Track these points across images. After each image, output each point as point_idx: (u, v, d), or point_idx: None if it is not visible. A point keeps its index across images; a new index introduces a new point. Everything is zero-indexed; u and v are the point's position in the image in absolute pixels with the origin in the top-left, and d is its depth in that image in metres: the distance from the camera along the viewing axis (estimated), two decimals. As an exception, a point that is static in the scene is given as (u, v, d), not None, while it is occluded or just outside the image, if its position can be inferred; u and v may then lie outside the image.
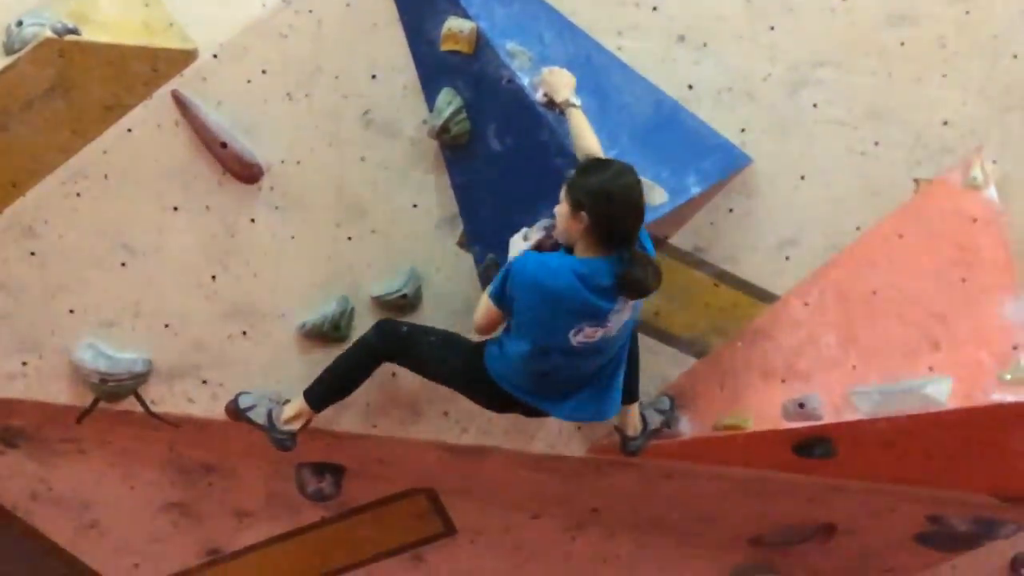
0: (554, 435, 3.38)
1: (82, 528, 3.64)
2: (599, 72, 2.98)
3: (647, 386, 3.30)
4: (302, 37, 2.98)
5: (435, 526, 3.86)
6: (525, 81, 2.81)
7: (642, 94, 3.06)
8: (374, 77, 3.04)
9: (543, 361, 2.71)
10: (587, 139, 2.69)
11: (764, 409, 3.18)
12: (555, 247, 2.70)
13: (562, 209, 2.59)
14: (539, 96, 2.79)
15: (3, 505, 3.54)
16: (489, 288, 2.75)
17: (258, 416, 3.17)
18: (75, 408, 3.25)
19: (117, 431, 3.39)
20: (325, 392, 3.07)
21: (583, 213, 2.53)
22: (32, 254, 3.04)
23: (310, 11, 2.97)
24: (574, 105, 2.72)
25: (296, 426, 3.11)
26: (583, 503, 3.80)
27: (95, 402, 3.18)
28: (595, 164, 2.60)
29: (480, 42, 2.83)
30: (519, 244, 2.75)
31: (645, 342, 3.27)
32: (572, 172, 2.60)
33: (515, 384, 2.80)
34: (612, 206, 2.52)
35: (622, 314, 2.65)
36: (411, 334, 2.97)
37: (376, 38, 3.01)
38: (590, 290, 2.56)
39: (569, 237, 2.62)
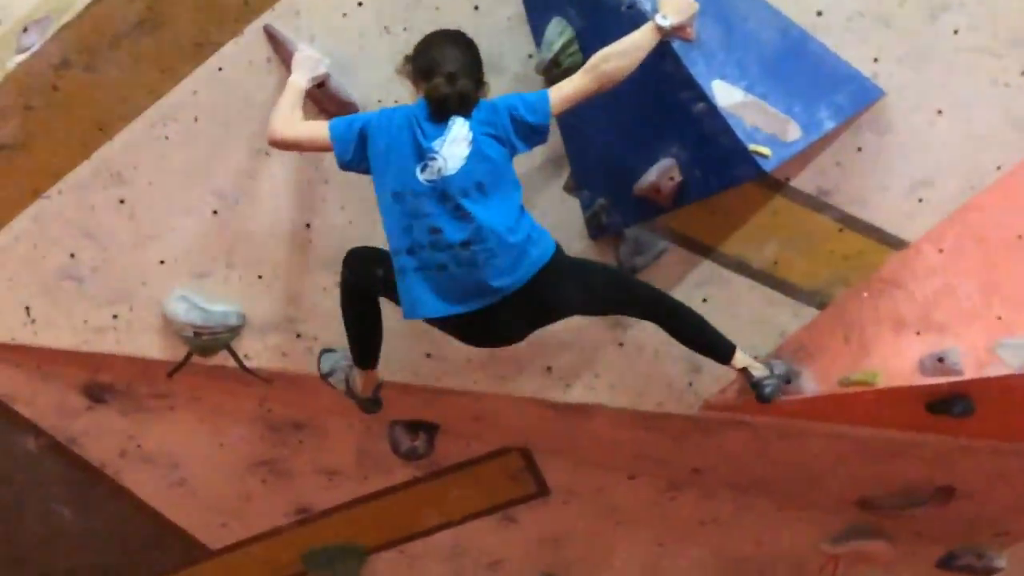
0: (664, 392, 3.19)
1: (171, 486, 3.57)
2: (723, -2, 2.74)
3: (764, 339, 3.11)
4: (401, -34, 2.80)
5: (528, 486, 3.73)
6: (647, 6, 2.57)
7: (767, 21, 2.79)
8: (476, 8, 2.83)
9: (405, 215, 2.61)
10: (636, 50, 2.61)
11: (896, 364, 2.94)
12: None
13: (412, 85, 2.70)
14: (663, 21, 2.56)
15: (91, 462, 3.48)
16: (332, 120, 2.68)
17: (337, 382, 3.04)
18: (165, 363, 3.15)
19: (208, 387, 3.28)
20: (352, 346, 2.91)
21: (412, 66, 2.66)
22: (121, 202, 2.91)
23: (404, -62, 2.78)
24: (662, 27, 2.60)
25: (368, 392, 2.98)
26: (684, 463, 3.62)
27: (188, 356, 3.07)
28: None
29: (596, -35, 2.61)
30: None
31: (762, 292, 3.07)
32: None
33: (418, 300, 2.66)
34: (424, 45, 2.65)
35: (455, 148, 2.57)
36: (383, 258, 2.76)
37: (479, -36, 2.81)
38: (420, 122, 2.61)
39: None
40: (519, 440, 3.56)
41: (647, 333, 3.14)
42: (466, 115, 2.58)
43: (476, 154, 2.58)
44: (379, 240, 2.95)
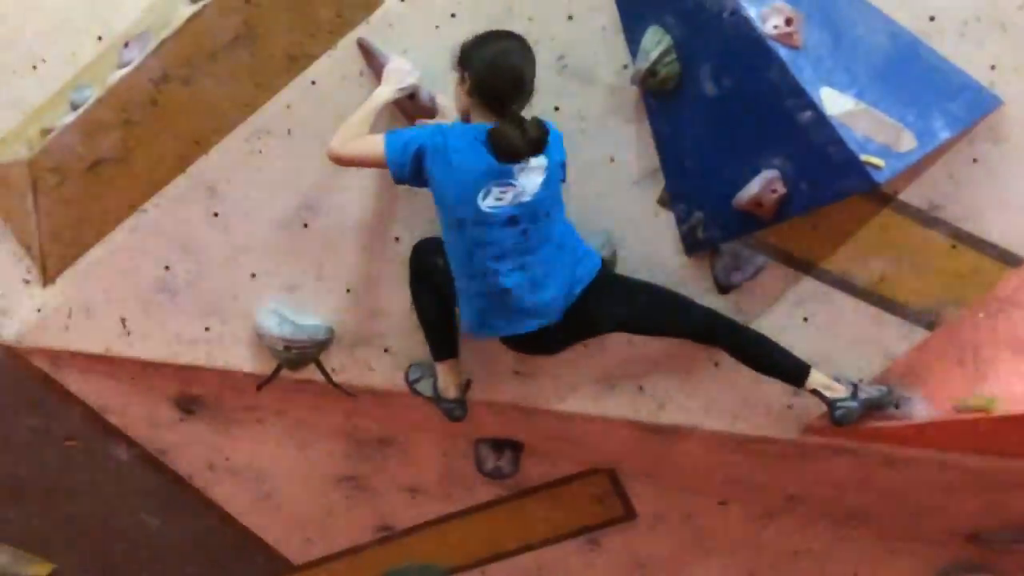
0: (762, 415, 3.06)
1: (257, 500, 3.57)
2: (828, 3, 2.61)
3: (869, 361, 2.95)
4: (494, -24, 2.76)
5: (614, 509, 3.62)
6: (752, 12, 2.48)
7: (876, 27, 2.67)
8: (570, 18, 2.77)
9: (465, 241, 2.63)
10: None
11: (1016, 389, 2.76)
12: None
13: (455, 79, 2.64)
14: (768, 27, 2.46)
15: (180, 474, 3.51)
16: (388, 136, 2.64)
17: (425, 388, 3.00)
18: (254, 376, 3.16)
19: (295, 400, 3.28)
20: (427, 339, 2.91)
21: (466, 75, 2.58)
22: (215, 215, 2.93)
23: (503, -53, 2.74)
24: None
25: (452, 392, 2.93)
26: (780, 490, 3.47)
27: (277, 369, 3.06)
28: (484, 35, 2.62)
29: (699, -30, 2.52)
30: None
31: (867, 311, 2.91)
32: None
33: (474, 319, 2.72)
34: (490, 68, 2.56)
35: (532, 175, 2.58)
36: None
37: (574, -26, 2.75)
38: (488, 150, 2.58)
39: (461, 105, 2.66)
40: (606, 461, 3.46)
41: (744, 353, 3.04)
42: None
43: (549, 181, 2.61)
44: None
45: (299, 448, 3.44)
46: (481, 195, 2.58)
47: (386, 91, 2.71)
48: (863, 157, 2.42)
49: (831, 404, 2.81)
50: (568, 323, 2.75)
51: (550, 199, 2.63)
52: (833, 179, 2.50)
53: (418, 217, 2.93)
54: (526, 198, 2.59)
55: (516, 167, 2.57)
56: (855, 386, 2.87)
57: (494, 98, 2.56)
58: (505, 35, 2.62)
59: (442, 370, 2.92)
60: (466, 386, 2.99)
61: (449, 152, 2.57)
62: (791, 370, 2.83)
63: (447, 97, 2.76)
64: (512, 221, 2.61)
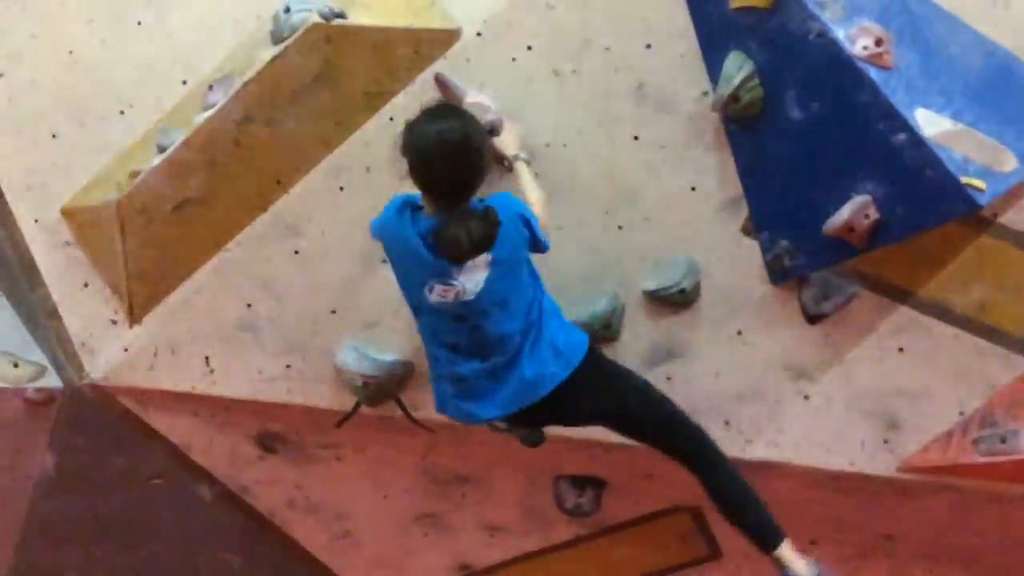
0: (856, 450, 2.93)
1: (336, 538, 3.55)
2: (919, 21, 2.53)
3: (969, 392, 2.81)
4: (570, 7, 2.73)
5: (699, 548, 3.50)
6: (840, 33, 2.41)
7: (969, 45, 2.58)
8: (648, 46, 2.74)
9: (423, 326, 2.57)
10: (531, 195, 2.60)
11: None
12: None
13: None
14: (858, 48, 2.39)
15: (260, 511, 3.51)
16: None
17: (502, 420, 2.93)
18: (334, 412, 3.15)
19: (373, 437, 3.26)
20: None
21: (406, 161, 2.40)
22: (296, 252, 2.95)
23: (580, -23, 2.73)
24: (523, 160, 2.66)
25: None
26: (874, 529, 3.31)
27: (356, 406, 3.05)
28: (421, 114, 2.41)
29: (782, -8, 2.47)
30: None
31: (967, 341, 2.78)
32: None
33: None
34: (418, 157, 2.37)
35: (474, 273, 2.41)
36: None
37: (651, 2, 2.70)
38: (427, 246, 2.41)
39: None
40: (691, 498, 3.31)
41: (836, 385, 2.91)
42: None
43: (496, 276, 2.45)
44: (547, 284, 2.89)
45: (378, 485, 3.41)
46: (426, 289, 2.49)
47: None
48: (963, 179, 2.32)
49: None
50: (542, 410, 2.59)
51: (503, 291, 2.47)
52: (932, 203, 2.41)
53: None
54: (468, 297, 2.46)
55: (453, 268, 2.42)
56: (818, 570, 2.68)
57: (428, 190, 2.40)
58: (444, 115, 2.43)
59: None
60: None
61: (388, 246, 2.53)
62: (764, 532, 2.65)
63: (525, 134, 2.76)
64: (459, 319, 2.50)
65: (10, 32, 3.06)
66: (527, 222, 2.48)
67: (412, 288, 2.54)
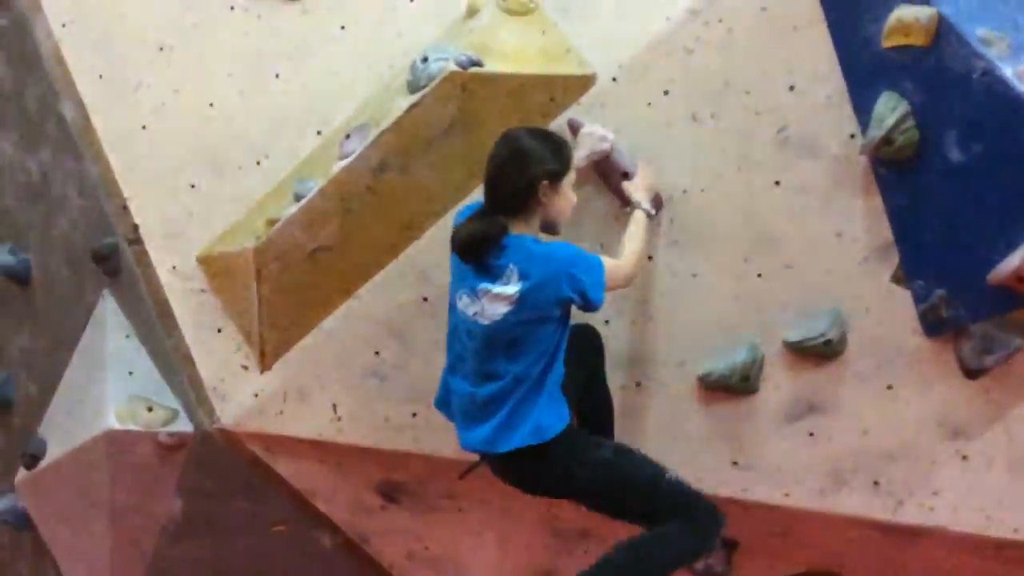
0: (1020, 516, 2.70)
1: (454, 591, 3.49)
2: (1088, 57, 2.38)
3: None
4: (710, 50, 2.67)
5: (835, 614, 3.30)
6: (1007, 71, 2.28)
7: None
8: (791, 88, 2.64)
9: (450, 322, 2.61)
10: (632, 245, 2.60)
11: None
12: None
13: None
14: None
15: (380, 563, 3.46)
16: None
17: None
18: (457, 463, 3.09)
19: (495, 489, 3.14)
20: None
21: None
22: (424, 299, 2.93)
23: (720, 20, 2.65)
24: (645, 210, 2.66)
25: None
26: (1036, 602, 3.06)
27: (482, 457, 2.99)
28: (526, 127, 2.53)
29: (941, 30, 2.35)
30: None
31: None
32: None
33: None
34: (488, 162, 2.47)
35: (498, 304, 2.41)
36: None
37: (795, 43, 2.62)
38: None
39: None
40: (832, 563, 3.12)
41: (997, 445, 2.71)
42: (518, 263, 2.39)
43: (517, 316, 2.42)
44: (682, 334, 2.81)
45: (499, 538, 3.32)
46: (458, 296, 2.54)
47: (577, 155, 2.63)
48: None
49: None
50: (528, 475, 2.59)
51: (519, 333, 2.43)
52: (1113, 250, 2.23)
53: (627, 299, 2.83)
54: (484, 321, 2.45)
55: (481, 286, 2.44)
56: None
57: (488, 198, 2.49)
58: (525, 130, 2.52)
59: None
60: None
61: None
62: None
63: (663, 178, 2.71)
64: (471, 335, 2.51)
65: (154, 87, 3.19)
66: (577, 282, 2.42)
67: (453, 285, 2.59)
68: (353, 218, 2.83)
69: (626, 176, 2.71)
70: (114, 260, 3.25)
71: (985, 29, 2.33)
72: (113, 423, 3.12)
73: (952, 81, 2.37)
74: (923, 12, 2.36)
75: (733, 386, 2.77)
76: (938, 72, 2.39)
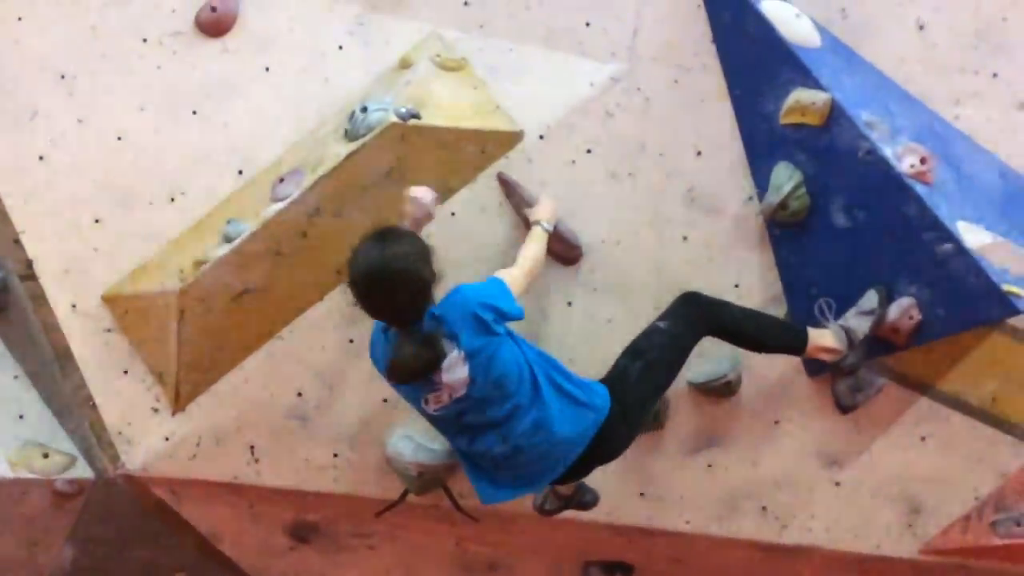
0: (881, 534, 3.11)
1: (361, 629, 3.48)
2: (946, 143, 2.82)
3: (982, 479, 3.04)
4: (628, 115, 2.92)
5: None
6: (887, 152, 2.66)
7: (985, 165, 2.88)
8: (699, 154, 2.94)
9: (438, 429, 2.68)
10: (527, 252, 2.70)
11: None
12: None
13: None
14: (905, 166, 2.64)
15: (283, 604, 3.41)
16: None
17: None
18: (371, 501, 3.13)
19: (408, 525, 3.24)
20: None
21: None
22: (350, 341, 2.97)
23: (638, 88, 2.91)
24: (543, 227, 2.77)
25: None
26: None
27: (404, 495, 3.04)
28: (369, 236, 2.43)
29: (834, 114, 2.71)
30: None
31: (981, 431, 3.01)
32: None
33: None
34: (355, 287, 2.42)
35: (455, 370, 2.43)
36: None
37: (703, 114, 2.92)
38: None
39: None
40: (718, 583, 3.45)
41: (865, 472, 3.10)
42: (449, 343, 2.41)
43: (478, 364, 2.45)
44: (598, 374, 2.95)
45: (409, 574, 3.38)
46: (422, 402, 2.54)
47: (408, 222, 2.65)
48: (1004, 287, 2.57)
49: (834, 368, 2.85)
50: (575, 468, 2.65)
51: (494, 372, 2.46)
52: (974, 308, 2.64)
53: (548, 341, 2.98)
54: (459, 393, 2.48)
55: (436, 379, 2.44)
56: (848, 336, 2.79)
57: (372, 317, 2.46)
58: (373, 238, 2.43)
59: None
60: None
61: (380, 370, 2.58)
62: (792, 342, 2.81)
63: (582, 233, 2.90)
64: (460, 416, 2.53)
65: (54, 116, 3.01)
66: (488, 309, 2.47)
67: (413, 402, 2.59)
68: (283, 260, 2.83)
69: (528, 204, 2.87)
70: (1, 296, 3.04)
71: (868, 114, 2.72)
72: (5, 471, 2.91)
73: (841, 157, 2.74)
74: (819, 96, 2.72)
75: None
76: (829, 149, 2.75)
